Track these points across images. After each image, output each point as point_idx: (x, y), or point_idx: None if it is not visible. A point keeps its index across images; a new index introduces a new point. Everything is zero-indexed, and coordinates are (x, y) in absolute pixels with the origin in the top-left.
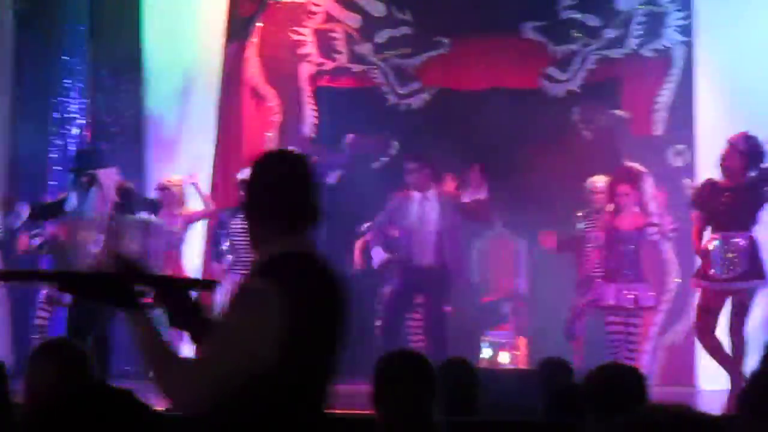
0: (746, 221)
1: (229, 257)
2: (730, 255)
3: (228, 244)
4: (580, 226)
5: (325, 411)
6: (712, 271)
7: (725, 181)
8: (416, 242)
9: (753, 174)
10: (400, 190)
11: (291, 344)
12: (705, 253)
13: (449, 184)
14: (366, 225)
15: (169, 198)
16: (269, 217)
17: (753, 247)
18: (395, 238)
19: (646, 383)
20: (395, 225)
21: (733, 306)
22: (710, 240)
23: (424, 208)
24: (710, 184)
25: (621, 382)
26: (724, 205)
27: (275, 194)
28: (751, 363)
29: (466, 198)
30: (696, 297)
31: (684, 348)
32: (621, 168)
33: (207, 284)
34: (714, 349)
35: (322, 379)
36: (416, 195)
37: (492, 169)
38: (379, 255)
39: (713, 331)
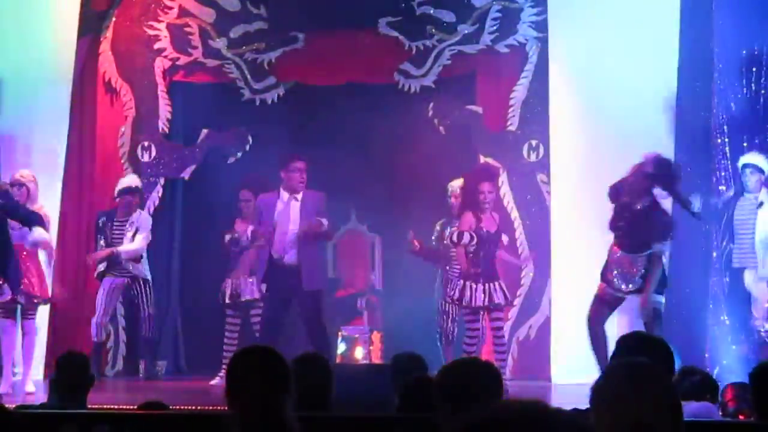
0: (645, 241)
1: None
2: (626, 270)
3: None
4: (434, 238)
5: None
6: (613, 278)
7: (628, 200)
8: (279, 241)
9: (655, 194)
10: (260, 186)
11: None
12: (609, 258)
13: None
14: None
15: (23, 194)
16: None
17: (649, 265)
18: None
19: (500, 377)
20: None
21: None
22: (615, 249)
23: (289, 208)
24: (621, 197)
25: (474, 377)
26: (626, 224)
27: None
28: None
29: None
30: (548, 290)
31: (538, 342)
32: (480, 166)
33: None
34: (597, 340)
35: None
36: (284, 195)
37: (347, 163)
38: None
39: (603, 323)
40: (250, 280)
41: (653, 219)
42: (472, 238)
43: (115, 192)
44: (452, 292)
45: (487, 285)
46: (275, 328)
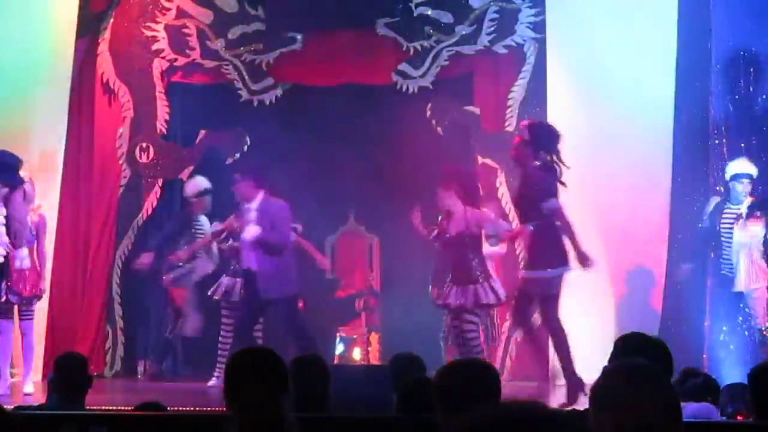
0: (528, 212)
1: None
2: (519, 245)
3: None
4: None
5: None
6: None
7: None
8: (243, 248)
9: (538, 163)
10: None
11: None
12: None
13: None
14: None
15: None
16: None
17: (534, 238)
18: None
19: (498, 378)
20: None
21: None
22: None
23: (245, 216)
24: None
25: (473, 377)
26: (514, 196)
27: None
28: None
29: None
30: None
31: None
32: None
33: None
34: (527, 333)
35: None
36: (243, 204)
37: (345, 164)
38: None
39: (529, 317)
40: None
41: (539, 188)
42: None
43: (193, 193)
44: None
45: (459, 288)
46: (244, 331)
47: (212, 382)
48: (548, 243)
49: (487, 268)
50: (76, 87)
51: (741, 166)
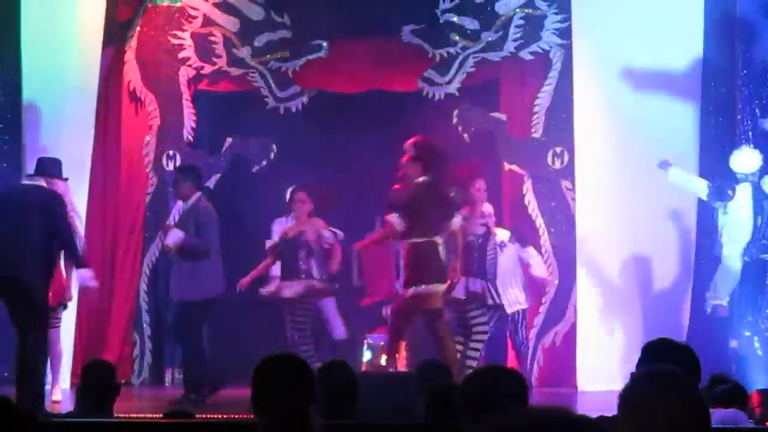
0: (409, 230)
1: None
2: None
3: None
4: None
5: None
6: None
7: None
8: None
9: (423, 179)
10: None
11: None
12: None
13: None
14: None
15: None
16: None
17: (409, 256)
18: None
19: (525, 385)
20: None
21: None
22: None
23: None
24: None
25: (499, 384)
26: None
27: None
28: None
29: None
30: (573, 297)
31: (564, 350)
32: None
33: None
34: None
35: None
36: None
37: (371, 171)
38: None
39: (402, 332)
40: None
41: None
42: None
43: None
44: None
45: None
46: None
47: None
48: (424, 259)
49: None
50: (102, 95)
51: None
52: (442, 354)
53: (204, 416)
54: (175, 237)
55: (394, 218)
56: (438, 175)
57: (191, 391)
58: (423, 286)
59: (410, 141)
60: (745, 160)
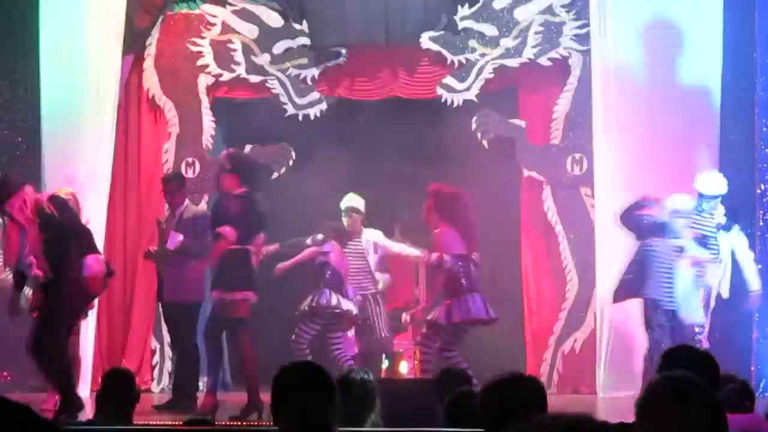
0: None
1: None
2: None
3: None
4: None
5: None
6: None
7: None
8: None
9: (240, 192)
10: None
11: None
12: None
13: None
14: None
15: None
16: None
17: (221, 263)
18: None
19: (544, 392)
20: None
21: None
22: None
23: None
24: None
25: (519, 391)
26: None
27: None
28: None
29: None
30: (593, 304)
31: (584, 356)
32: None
33: None
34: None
35: None
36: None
37: (390, 178)
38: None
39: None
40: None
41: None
42: None
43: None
44: None
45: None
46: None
47: None
48: (233, 266)
49: None
50: (122, 103)
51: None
52: (242, 365)
53: (224, 423)
54: (177, 241)
55: (226, 230)
56: (254, 187)
57: (181, 395)
58: (228, 294)
59: (224, 153)
60: (710, 182)
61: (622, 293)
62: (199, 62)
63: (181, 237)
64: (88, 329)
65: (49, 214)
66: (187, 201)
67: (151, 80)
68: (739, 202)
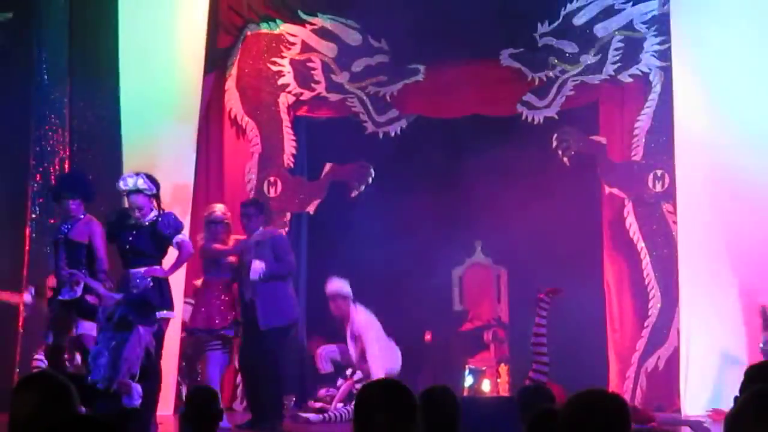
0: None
1: None
2: None
3: None
4: None
5: None
6: None
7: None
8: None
9: (156, 216)
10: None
11: None
12: None
13: None
14: None
15: (220, 231)
16: None
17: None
18: None
19: (627, 409)
20: None
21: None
22: None
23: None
24: None
25: (601, 408)
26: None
27: None
28: None
29: None
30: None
31: (667, 373)
32: None
33: None
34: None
35: None
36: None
37: (470, 195)
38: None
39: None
40: None
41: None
42: None
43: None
44: None
45: None
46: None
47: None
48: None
49: None
50: (203, 122)
51: None
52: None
53: None
54: (260, 269)
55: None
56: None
57: (266, 419)
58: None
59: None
60: None
61: None
62: (280, 81)
63: (263, 265)
64: (170, 350)
65: None
66: (261, 225)
67: (233, 100)
68: None
